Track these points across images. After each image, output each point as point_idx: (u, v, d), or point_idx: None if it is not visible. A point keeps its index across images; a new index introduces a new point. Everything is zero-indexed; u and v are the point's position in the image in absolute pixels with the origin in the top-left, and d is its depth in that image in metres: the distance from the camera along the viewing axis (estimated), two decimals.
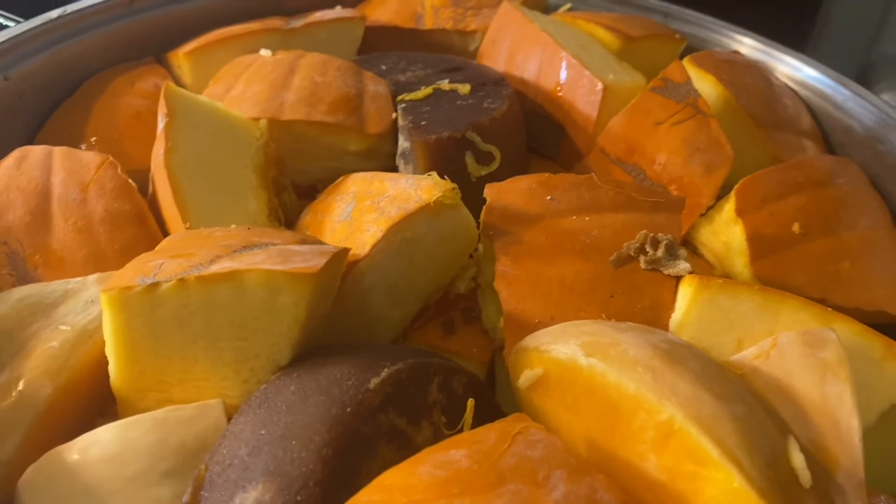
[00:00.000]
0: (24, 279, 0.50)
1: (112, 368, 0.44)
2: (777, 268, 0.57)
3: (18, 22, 0.69)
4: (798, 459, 0.38)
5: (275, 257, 0.43)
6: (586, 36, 0.74)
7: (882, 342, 0.47)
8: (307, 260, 0.43)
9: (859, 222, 0.61)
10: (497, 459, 0.38)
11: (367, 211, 0.51)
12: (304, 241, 0.48)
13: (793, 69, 0.75)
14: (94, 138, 0.64)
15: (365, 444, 0.39)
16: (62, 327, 0.46)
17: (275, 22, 0.75)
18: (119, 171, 0.55)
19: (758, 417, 0.39)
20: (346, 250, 0.47)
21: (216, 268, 0.42)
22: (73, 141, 0.63)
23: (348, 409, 0.39)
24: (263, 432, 0.39)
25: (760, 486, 0.36)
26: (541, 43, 0.70)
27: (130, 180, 0.55)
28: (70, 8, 0.69)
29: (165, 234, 0.54)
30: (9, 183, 0.53)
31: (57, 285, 0.49)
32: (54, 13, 0.68)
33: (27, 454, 0.43)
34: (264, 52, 0.69)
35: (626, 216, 0.52)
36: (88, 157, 0.56)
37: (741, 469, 0.36)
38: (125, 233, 0.52)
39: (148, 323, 0.42)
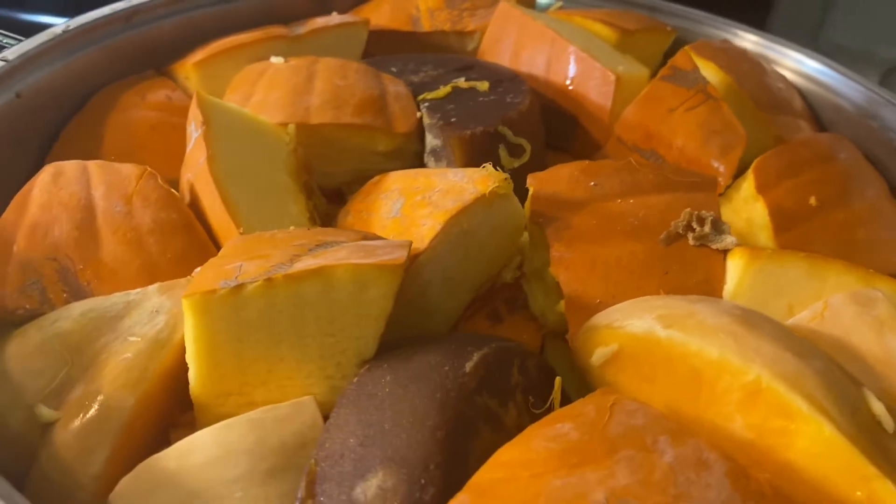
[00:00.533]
0: (77, 294, 0.49)
1: (193, 375, 0.43)
2: (800, 239, 0.60)
3: (19, 40, 0.67)
4: (878, 407, 0.41)
5: (357, 252, 0.43)
6: (585, 31, 0.77)
7: None
8: (389, 252, 0.43)
9: (866, 193, 0.65)
10: (603, 430, 0.39)
11: (419, 206, 0.52)
12: (366, 238, 0.49)
13: (780, 55, 0.79)
14: (113, 154, 0.62)
15: (469, 426, 0.40)
16: (131, 339, 0.46)
17: (278, 30, 0.75)
18: (160, 180, 0.54)
19: (834, 372, 0.42)
20: (411, 243, 0.47)
21: (301, 266, 0.42)
22: (91, 156, 0.61)
23: (452, 393, 0.40)
24: (371, 422, 0.39)
25: (850, 433, 0.38)
26: (547, 39, 0.72)
27: (173, 190, 0.55)
28: (73, 23, 0.68)
29: (213, 241, 0.54)
30: (49, 199, 0.52)
31: (117, 298, 0.48)
32: (58, 28, 0.67)
33: (114, 467, 0.42)
34: (275, 60, 0.69)
35: (668, 197, 0.54)
36: (127, 169, 0.55)
37: (830, 419, 0.38)
38: (176, 242, 0.52)
39: (232, 325, 0.42)
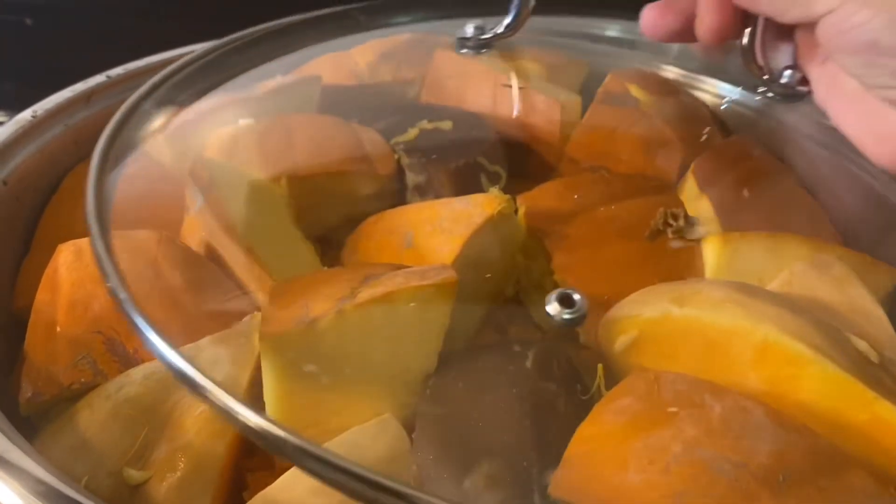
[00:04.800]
0: (127, 362, 0.51)
1: (272, 411, 0.46)
2: (742, 227, 0.69)
3: None
4: (862, 344, 0.49)
5: (411, 277, 0.48)
6: (517, 68, 0.85)
7: (859, 258, 0.60)
8: (439, 273, 0.48)
9: (784, 182, 0.75)
10: (658, 398, 0.45)
11: (431, 235, 0.57)
12: (398, 268, 0.53)
13: (680, 75, 0.90)
14: None
15: (541, 413, 0.45)
16: None
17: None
18: (178, 241, 0.57)
19: (822, 322, 0.50)
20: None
21: (366, 295, 0.46)
22: (80, 234, 0.62)
23: (524, 388, 0.45)
24: (459, 424, 0.44)
25: (849, 368, 0.46)
26: (490, 78, 0.80)
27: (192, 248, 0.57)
28: (39, 107, 0.69)
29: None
30: (80, 276, 0.53)
31: None
32: (27, 113, 0.68)
33: None
34: (242, 122, 0.72)
35: (642, 200, 0.62)
36: (143, 235, 0.57)
37: (832, 359, 0.46)
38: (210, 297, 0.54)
39: (309, 360, 0.45)
